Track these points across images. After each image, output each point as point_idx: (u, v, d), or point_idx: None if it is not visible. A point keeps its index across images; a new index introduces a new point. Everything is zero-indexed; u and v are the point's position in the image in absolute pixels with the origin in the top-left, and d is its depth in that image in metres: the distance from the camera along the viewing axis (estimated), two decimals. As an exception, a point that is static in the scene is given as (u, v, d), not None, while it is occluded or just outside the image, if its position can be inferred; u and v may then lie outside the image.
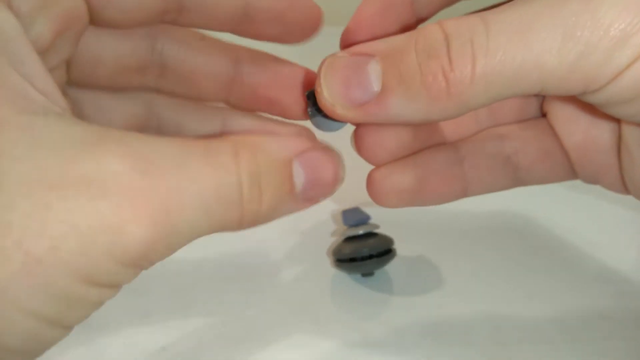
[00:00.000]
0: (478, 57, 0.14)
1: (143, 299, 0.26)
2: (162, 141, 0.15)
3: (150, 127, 0.20)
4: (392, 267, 0.27)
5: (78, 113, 0.19)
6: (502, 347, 0.24)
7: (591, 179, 0.22)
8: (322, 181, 0.17)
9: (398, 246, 0.27)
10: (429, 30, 0.15)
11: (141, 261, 0.14)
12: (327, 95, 0.17)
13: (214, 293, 0.26)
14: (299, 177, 0.16)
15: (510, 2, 0.15)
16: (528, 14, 0.14)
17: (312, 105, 0.19)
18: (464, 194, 0.21)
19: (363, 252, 0.25)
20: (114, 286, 0.15)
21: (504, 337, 0.24)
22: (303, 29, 0.19)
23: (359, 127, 0.19)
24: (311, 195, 0.17)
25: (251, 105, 0.21)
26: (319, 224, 0.30)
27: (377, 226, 0.27)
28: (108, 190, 0.13)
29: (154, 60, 0.19)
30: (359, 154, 0.20)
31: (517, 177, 0.22)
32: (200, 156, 0.15)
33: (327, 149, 0.17)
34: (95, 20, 0.17)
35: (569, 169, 0.21)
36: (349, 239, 0.26)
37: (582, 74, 0.15)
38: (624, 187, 0.21)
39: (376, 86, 0.16)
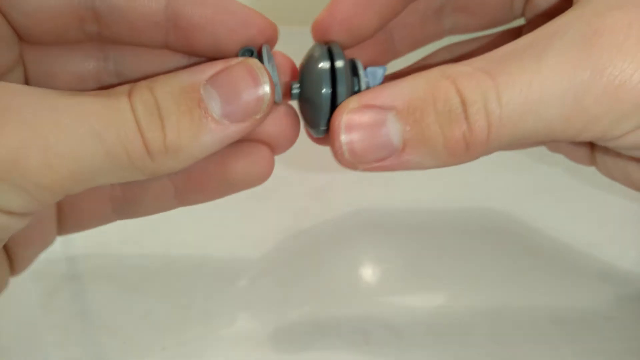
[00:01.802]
0: (493, 124, 0.15)
1: (143, 299, 0.26)
2: (50, 89, 0.15)
3: (109, 73, 0.20)
4: (392, 267, 0.27)
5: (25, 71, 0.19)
6: (502, 347, 0.24)
7: None
8: (243, 97, 0.16)
9: (398, 246, 0.27)
10: (446, 91, 0.16)
11: (14, 174, 0.14)
12: (348, 157, 0.17)
13: (214, 293, 0.26)
14: (213, 100, 0.16)
15: (517, 52, 0.16)
16: (538, 78, 0.15)
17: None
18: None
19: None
20: (6, 211, 0.15)
21: (504, 337, 0.24)
22: (247, 37, 0.18)
23: None
24: (238, 115, 0.16)
25: (191, 49, 0.19)
26: (321, 221, 0.30)
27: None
28: None
29: (88, 8, 0.18)
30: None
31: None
32: (91, 94, 0.15)
33: (242, 65, 0.17)
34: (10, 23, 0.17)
35: None
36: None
37: (589, 136, 0.16)
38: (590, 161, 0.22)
39: (396, 142, 0.16)
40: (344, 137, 0.16)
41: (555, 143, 0.23)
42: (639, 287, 0.27)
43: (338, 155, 0.17)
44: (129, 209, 0.21)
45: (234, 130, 0.16)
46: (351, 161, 0.17)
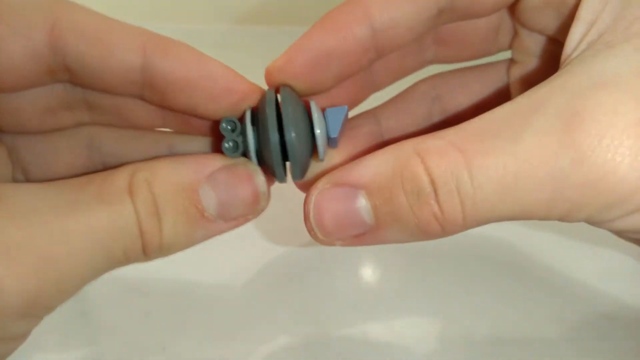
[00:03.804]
0: (467, 205, 0.15)
1: (143, 299, 0.26)
2: (53, 188, 0.15)
3: (96, 164, 0.19)
4: (393, 268, 0.27)
5: (16, 160, 0.18)
6: (502, 347, 0.24)
7: None
8: (239, 200, 0.16)
9: (398, 247, 0.27)
10: (414, 171, 0.15)
11: (31, 310, 0.14)
12: (321, 237, 0.17)
13: (214, 293, 0.26)
14: (210, 200, 0.16)
15: (493, 127, 0.15)
16: (513, 161, 0.14)
17: (234, 145, 0.17)
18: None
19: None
20: (16, 337, 0.15)
21: (504, 337, 0.24)
22: (228, 104, 0.17)
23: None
24: (232, 215, 0.17)
25: (167, 107, 0.18)
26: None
27: None
28: None
29: (77, 97, 0.18)
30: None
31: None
32: (94, 195, 0.15)
33: (241, 166, 0.17)
34: None
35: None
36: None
37: (574, 220, 0.15)
38: None
39: (369, 220, 0.16)
40: (314, 218, 0.16)
41: None
42: (638, 288, 0.27)
43: (312, 235, 0.17)
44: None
45: (225, 227, 0.17)
46: (325, 240, 0.17)
